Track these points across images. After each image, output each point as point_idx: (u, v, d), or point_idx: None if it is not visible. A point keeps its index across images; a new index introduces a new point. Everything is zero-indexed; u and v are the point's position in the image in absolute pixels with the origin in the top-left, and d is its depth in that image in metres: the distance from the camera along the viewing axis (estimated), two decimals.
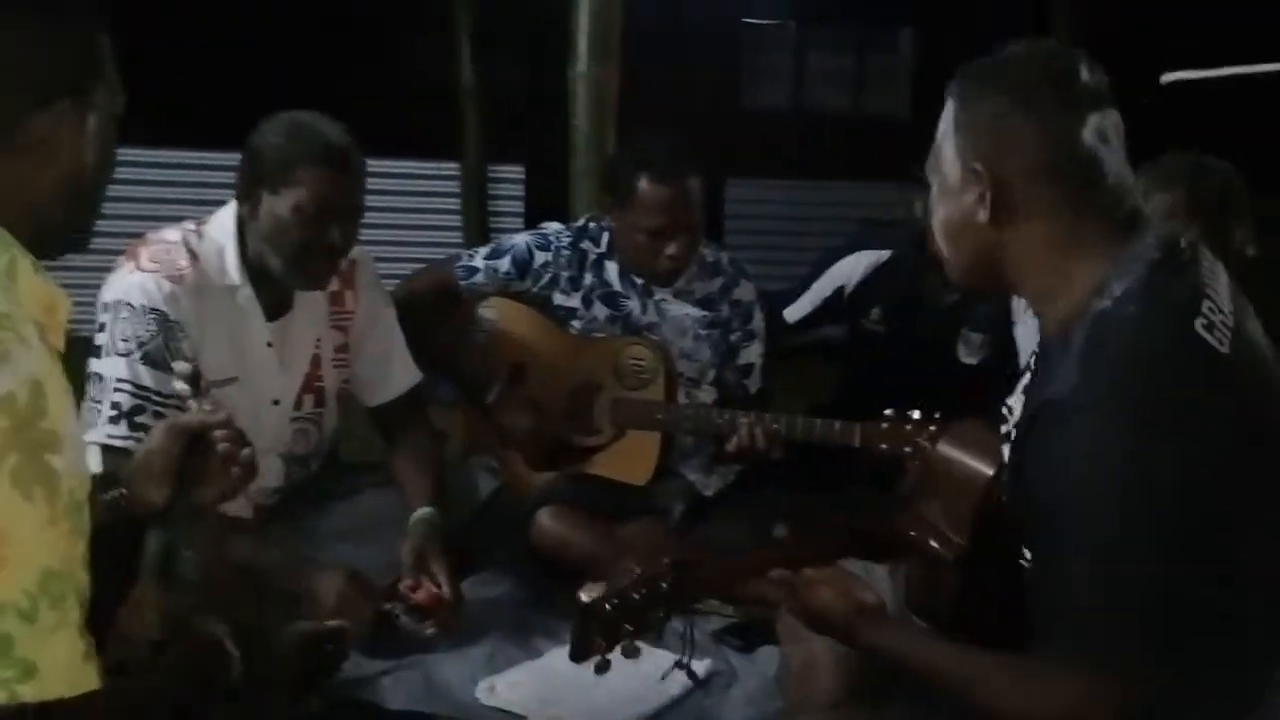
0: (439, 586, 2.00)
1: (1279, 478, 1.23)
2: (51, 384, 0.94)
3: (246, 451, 1.40)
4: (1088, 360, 1.19)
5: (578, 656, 1.35)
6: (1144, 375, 1.18)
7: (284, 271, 2.01)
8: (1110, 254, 1.25)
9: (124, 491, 1.33)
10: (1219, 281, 1.29)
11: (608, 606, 1.36)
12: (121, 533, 1.32)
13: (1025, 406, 1.34)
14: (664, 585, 1.39)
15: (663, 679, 1.70)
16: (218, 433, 1.39)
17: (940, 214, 1.35)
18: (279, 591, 1.91)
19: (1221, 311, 1.24)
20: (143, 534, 1.34)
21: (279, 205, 1.96)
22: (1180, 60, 7.05)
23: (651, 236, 2.41)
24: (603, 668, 1.35)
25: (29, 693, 0.89)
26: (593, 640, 1.35)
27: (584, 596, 1.38)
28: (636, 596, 1.37)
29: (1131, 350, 1.19)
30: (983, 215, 1.28)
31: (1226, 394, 1.20)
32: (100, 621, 1.18)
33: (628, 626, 1.36)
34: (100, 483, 1.39)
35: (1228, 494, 1.18)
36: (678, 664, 1.50)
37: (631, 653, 1.36)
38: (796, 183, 6.50)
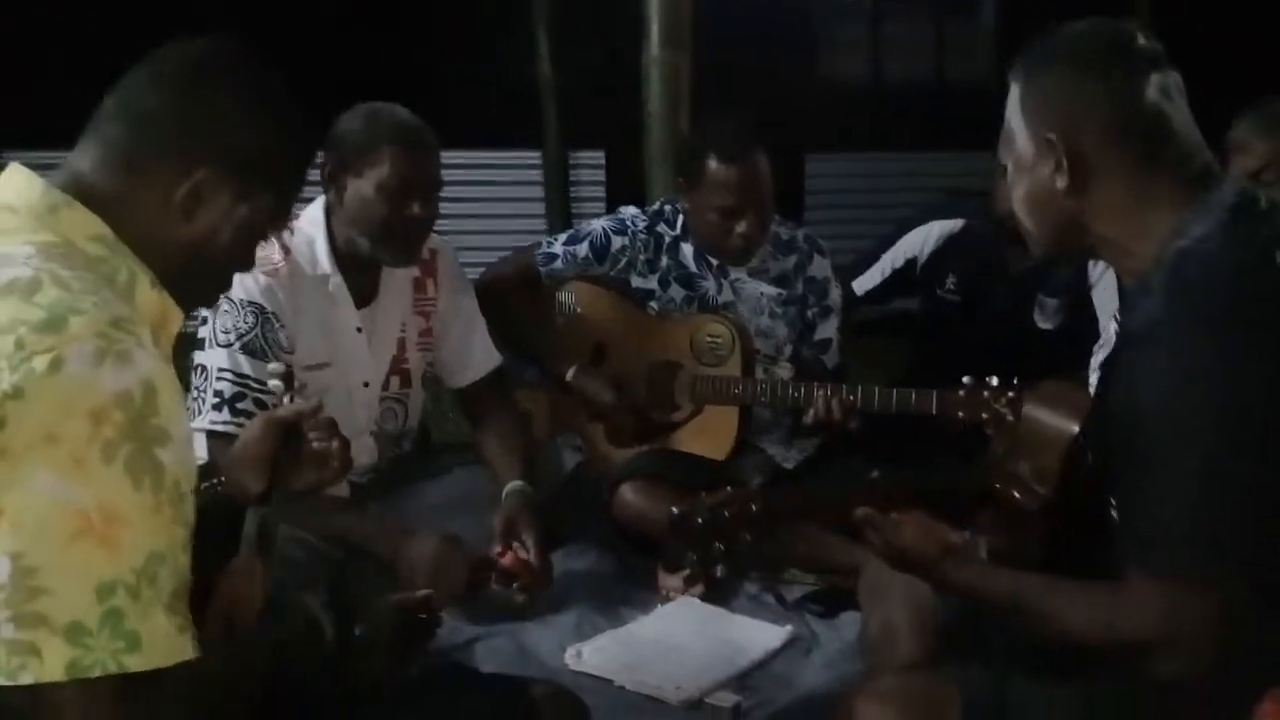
0: (528, 553, 2.08)
1: None
2: (163, 385, 1.02)
3: (337, 444, 1.49)
4: (1170, 290, 1.23)
5: (670, 566, 1.39)
6: (1226, 298, 1.21)
7: (373, 249, 2.12)
8: (1187, 205, 1.28)
9: (221, 479, 1.43)
10: None
11: (699, 520, 1.42)
12: (220, 515, 1.41)
13: (1116, 342, 1.37)
14: (754, 507, 1.45)
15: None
16: (310, 424, 1.48)
17: (1020, 191, 1.38)
18: (375, 562, 2.01)
19: None
20: (241, 516, 1.43)
21: (364, 186, 2.08)
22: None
23: (722, 216, 2.45)
24: (694, 580, 1.40)
25: (135, 663, 0.97)
26: (683, 552, 1.41)
27: (675, 510, 1.44)
28: (727, 514, 1.44)
29: (1213, 276, 1.22)
30: (1060, 183, 1.31)
31: None
32: (201, 594, 1.28)
33: (718, 544, 1.42)
34: (201, 471, 1.49)
35: None
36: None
37: (719, 572, 1.40)
38: (877, 155, 6.42)
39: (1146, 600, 1.21)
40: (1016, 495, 1.54)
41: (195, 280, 1.23)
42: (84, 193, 1.12)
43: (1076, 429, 1.52)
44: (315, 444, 1.47)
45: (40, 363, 0.95)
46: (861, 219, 5.74)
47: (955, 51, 8.56)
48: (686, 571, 1.42)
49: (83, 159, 1.14)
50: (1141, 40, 1.32)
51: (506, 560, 2.07)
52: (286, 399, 1.61)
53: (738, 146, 2.44)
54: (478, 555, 2.08)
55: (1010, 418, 2.02)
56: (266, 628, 1.28)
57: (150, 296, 1.13)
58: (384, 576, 2.01)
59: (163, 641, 0.99)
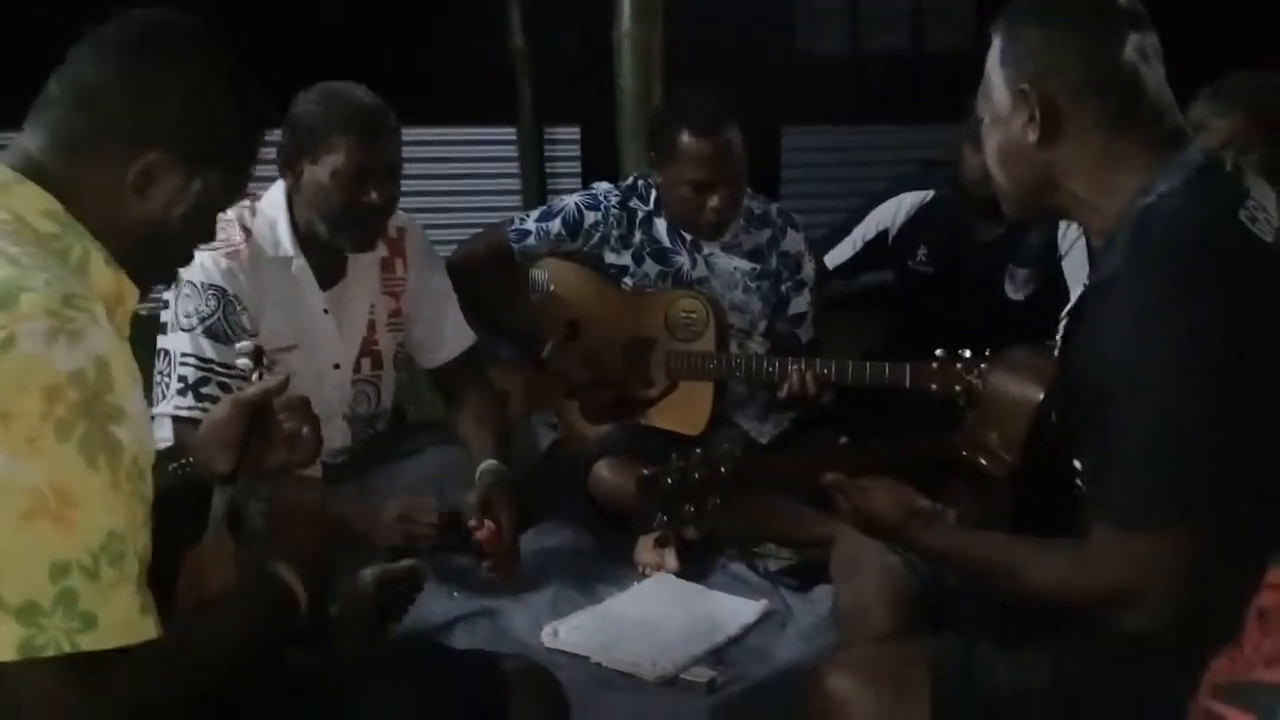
0: (496, 529, 2.08)
1: None
2: (117, 361, 1.02)
3: (308, 428, 1.48)
4: (1134, 244, 1.25)
5: (641, 528, 1.39)
6: (1189, 252, 1.22)
7: (331, 235, 2.10)
8: (1155, 164, 1.30)
9: (189, 460, 1.42)
10: (1265, 193, 1.33)
11: (669, 481, 1.43)
12: (189, 494, 1.40)
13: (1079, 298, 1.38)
14: (723, 470, 1.47)
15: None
16: (278, 402, 1.47)
17: (992, 144, 1.40)
18: (349, 536, 2.01)
19: (1265, 211, 1.29)
20: (209, 496, 1.42)
21: (319, 173, 2.05)
22: None
23: (695, 190, 2.45)
24: (664, 541, 1.41)
25: (88, 643, 0.96)
26: (654, 513, 1.42)
27: (646, 471, 1.45)
28: (696, 476, 1.45)
29: (1177, 231, 1.24)
30: (1032, 136, 1.32)
31: (1269, 274, 1.24)
32: (168, 572, 1.28)
33: (688, 506, 1.43)
34: (168, 453, 1.48)
35: (1264, 370, 1.21)
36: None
37: (689, 533, 1.40)
38: (854, 127, 6.42)
39: (1111, 552, 1.22)
40: (984, 463, 1.55)
41: (153, 257, 1.21)
42: (34, 173, 1.10)
43: (1041, 396, 1.52)
44: (286, 424, 1.46)
45: None
46: (838, 191, 5.74)
47: (933, 22, 8.53)
48: (657, 534, 1.42)
49: (31, 140, 1.12)
50: (1123, 0, 1.33)
51: (480, 533, 2.07)
52: (255, 376, 1.60)
53: (710, 120, 2.43)
54: (448, 511, 2.07)
55: (982, 389, 2.03)
56: (236, 597, 1.26)
57: (104, 273, 1.12)
58: (359, 553, 2.01)
59: (121, 621, 0.99)
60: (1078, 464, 1.34)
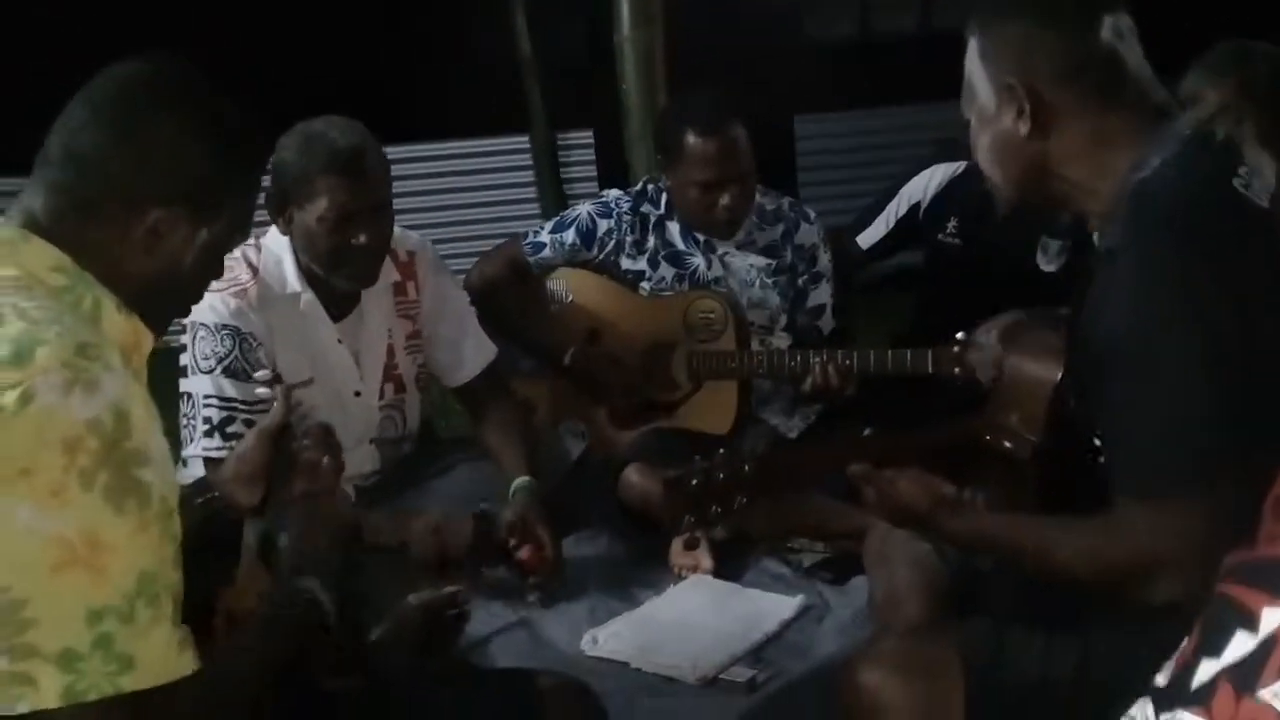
0: (544, 548, 2.10)
1: None
2: (135, 406, 1.04)
3: (328, 457, 1.50)
4: (1133, 217, 1.25)
5: (669, 531, 1.38)
6: (1186, 219, 1.22)
7: (329, 276, 2.11)
8: (1144, 140, 1.30)
9: (216, 494, 1.44)
10: (1260, 159, 1.33)
11: (693, 483, 1.44)
12: (219, 530, 1.43)
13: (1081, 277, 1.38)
14: (747, 468, 1.47)
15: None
16: (300, 431, 1.49)
17: (984, 142, 1.40)
18: (385, 558, 2.04)
19: (1260, 176, 1.29)
20: (239, 528, 1.45)
21: (306, 218, 2.04)
22: None
23: (704, 190, 2.45)
24: (693, 544, 1.41)
25: (129, 684, 0.99)
26: (680, 515, 1.43)
27: (671, 473, 1.46)
28: (721, 475, 1.45)
29: (1173, 200, 1.24)
30: (1023, 129, 1.33)
31: (1268, 240, 1.24)
32: (204, 605, 1.30)
33: (714, 507, 1.44)
34: (194, 489, 1.51)
35: (1268, 333, 1.20)
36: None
37: (715, 534, 1.39)
38: (867, 111, 6.39)
39: (1136, 524, 1.22)
40: (1007, 445, 1.54)
41: (166, 303, 1.24)
42: (40, 231, 1.12)
43: (1059, 375, 1.52)
44: (305, 454, 1.47)
45: (9, 398, 0.97)
46: (856, 177, 5.72)
47: (939, 4, 8.47)
48: (687, 536, 1.43)
49: (33, 200, 1.14)
50: None
51: (523, 554, 2.09)
52: (276, 405, 1.62)
53: (714, 119, 2.44)
54: (484, 531, 2.09)
55: (1000, 371, 2.02)
56: (263, 614, 1.29)
57: (117, 320, 1.14)
58: (397, 574, 2.03)
59: (159, 659, 1.01)
60: (1097, 439, 1.34)
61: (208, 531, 1.46)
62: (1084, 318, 1.31)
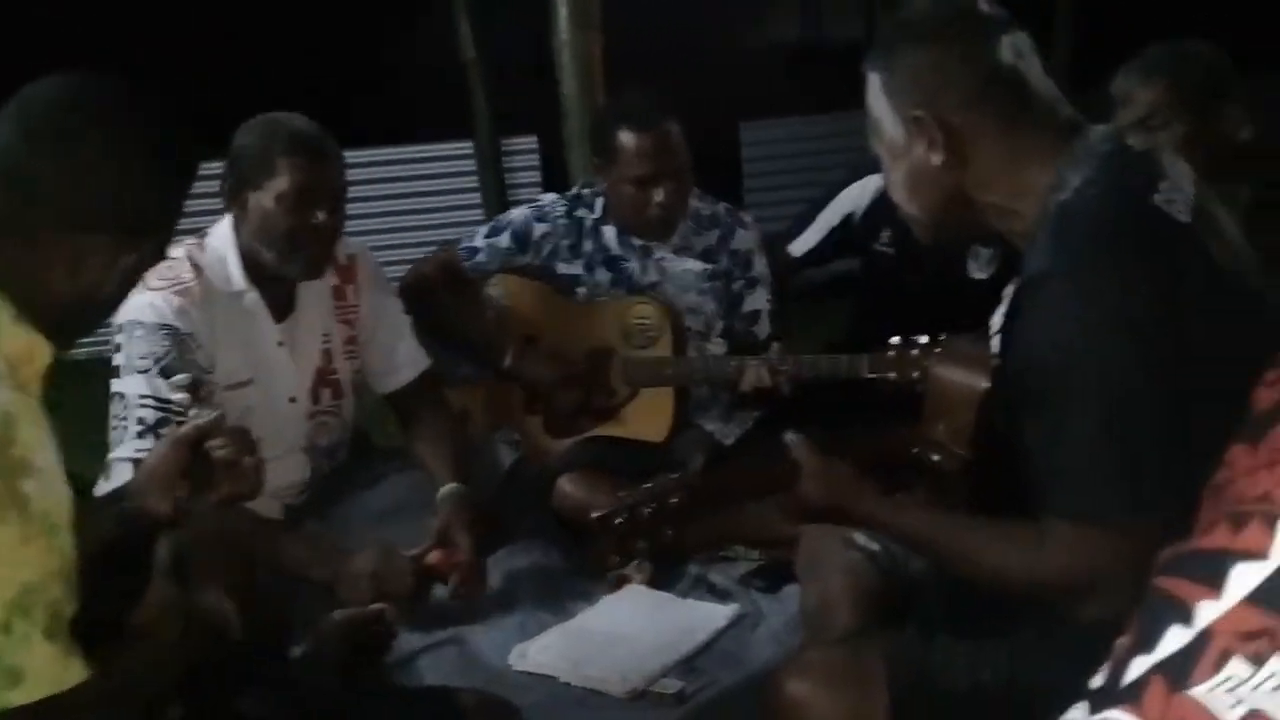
0: (462, 555, 2.06)
1: (1236, 343, 1.24)
2: (23, 417, 1.00)
3: (249, 460, 1.47)
4: (1056, 239, 1.25)
5: (595, 571, 1.39)
6: (1109, 241, 1.22)
7: (278, 262, 2.08)
8: (1060, 158, 1.30)
9: (128, 505, 1.40)
10: (1180, 172, 1.33)
11: (618, 521, 1.42)
12: (133, 541, 1.39)
13: (1009, 299, 1.38)
14: (673, 500, 1.44)
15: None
16: (217, 439, 1.45)
17: (897, 176, 1.39)
18: (313, 584, 1.99)
19: (1181, 191, 1.29)
20: (154, 541, 1.40)
21: (264, 199, 2.04)
22: None
23: (638, 186, 2.43)
24: (619, 583, 1.40)
25: (18, 697, 0.96)
26: (606, 554, 1.41)
27: (595, 513, 1.44)
28: (646, 512, 1.43)
29: (1095, 221, 1.24)
30: (936, 159, 1.32)
31: (1190, 256, 1.24)
32: (113, 624, 1.26)
33: (640, 542, 1.42)
34: (109, 499, 1.47)
35: (1199, 344, 1.21)
36: None
37: (644, 569, 1.40)
38: (814, 117, 6.41)
39: (1066, 545, 1.22)
40: (935, 458, 1.54)
41: (80, 322, 1.22)
42: None
43: (986, 384, 1.51)
44: (218, 453, 1.44)
45: None
46: (802, 182, 5.73)
47: (884, 7, 8.54)
48: (613, 574, 1.41)
49: None
50: (985, 6, 1.34)
51: (435, 558, 2.04)
52: (193, 413, 1.58)
53: (647, 115, 2.43)
54: (417, 561, 2.05)
55: (928, 383, 2.02)
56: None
57: (13, 331, 1.11)
58: (322, 598, 1.99)
59: (47, 670, 0.98)
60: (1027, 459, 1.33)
61: (121, 545, 1.42)
62: (1011, 339, 1.30)
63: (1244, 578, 0.72)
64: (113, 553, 1.35)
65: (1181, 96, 2.15)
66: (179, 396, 1.64)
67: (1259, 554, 0.71)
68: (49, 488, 1.01)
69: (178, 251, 2.10)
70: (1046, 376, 1.22)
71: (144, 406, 2.01)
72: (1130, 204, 1.25)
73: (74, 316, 1.18)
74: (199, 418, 1.50)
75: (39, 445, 1.02)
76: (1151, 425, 1.19)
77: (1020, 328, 1.29)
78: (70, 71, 1.19)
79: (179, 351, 2.02)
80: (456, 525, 2.09)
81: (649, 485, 1.45)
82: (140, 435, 2.00)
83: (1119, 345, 1.19)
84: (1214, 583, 0.73)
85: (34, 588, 0.98)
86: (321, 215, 2.06)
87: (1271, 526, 0.71)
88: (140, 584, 1.38)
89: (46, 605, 0.99)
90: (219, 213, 2.17)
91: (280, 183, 2.03)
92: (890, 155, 1.38)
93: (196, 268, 2.08)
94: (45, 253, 1.12)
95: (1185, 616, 0.75)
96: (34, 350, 1.14)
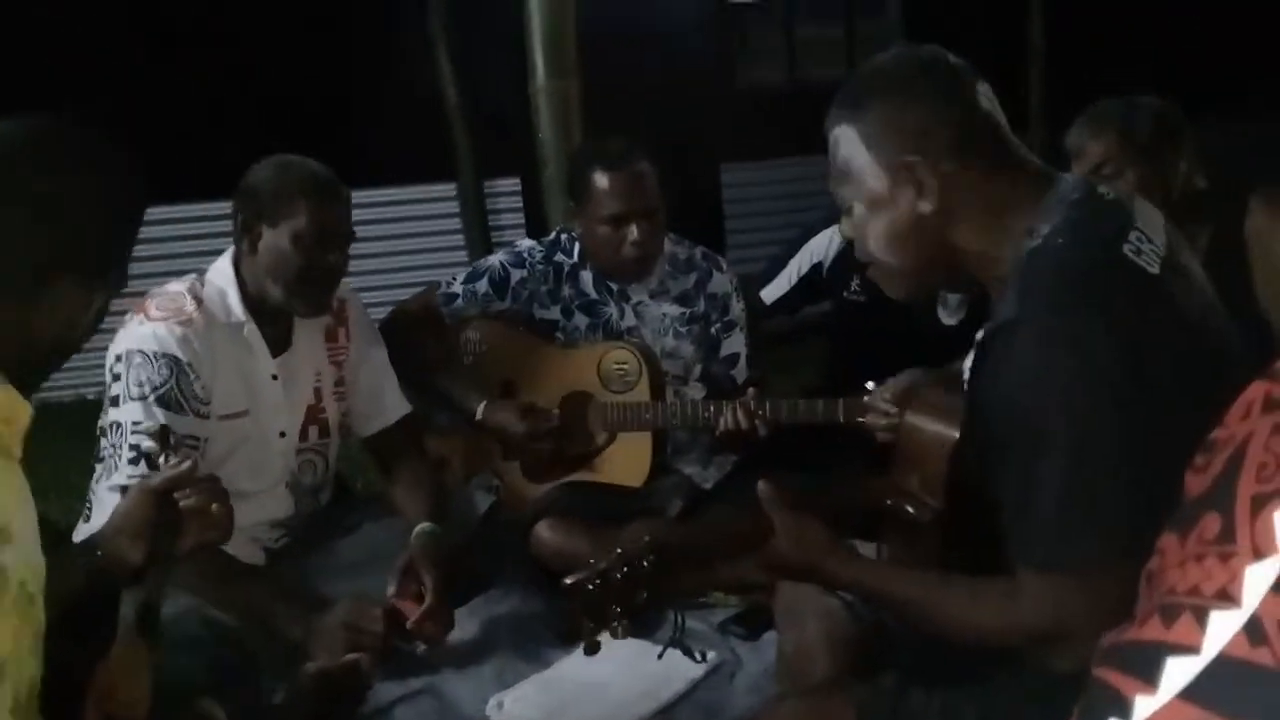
0: (425, 597, 2.03)
1: (1203, 394, 1.25)
2: (2, 482, 0.99)
3: (217, 507, 1.46)
4: (1024, 287, 1.25)
5: (568, 639, 1.38)
6: (1078, 290, 1.22)
7: (286, 299, 2.12)
8: (1036, 203, 1.31)
9: (99, 554, 1.39)
10: (1149, 218, 1.34)
11: (590, 587, 1.40)
12: (100, 593, 1.37)
13: (976, 347, 1.37)
14: (644, 564, 1.42)
15: (659, 659, 1.68)
16: (188, 489, 1.45)
17: (876, 229, 1.36)
18: (285, 638, 1.97)
19: (1151, 241, 1.29)
20: (119, 594, 1.39)
21: (279, 237, 2.08)
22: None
23: (613, 226, 2.44)
24: (592, 649, 1.39)
25: None
26: (581, 622, 1.39)
27: (567, 580, 1.41)
28: (619, 576, 1.41)
29: (1063, 271, 1.24)
30: (926, 206, 1.31)
31: (1158, 307, 1.24)
32: (82, 682, 1.24)
33: (615, 607, 1.40)
34: (81, 548, 1.45)
35: (1166, 399, 1.20)
36: (670, 644, 1.53)
37: (620, 634, 1.39)
38: (794, 160, 6.47)
39: (1037, 595, 1.22)
40: (909, 510, 1.53)
41: (52, 364, 1.23)
42: None
43: (957, 434, 1.51)
44: (185, 502, 1.44)
45: None
46: (783, 224, 5.76)
47: (865, 49, 8.63)
48: (587, 640, 1.38)
49: None
50: (952, 57, 1.36)
51: (396, 601, 2.02)
52: (162, 460, 1.57)
53: (619, 155, 2.45)
54: (388, 613, 2.02)
55: (899, 432, 2.02)
56: None
57: None
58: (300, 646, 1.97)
59: None
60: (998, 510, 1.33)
61: (91, 596, 1.40)
62: (981, 389, 1.30)
63: (1177, 672, 0.71)
64: (79, 608, 1.34)
65: (1131, 146, 2.21)
66: (148, 444, 1.64)
67: (1191, 648, 0.71)
68: (26, 556, 1.00)
69: (178, 286, 2.15)
70: (1015, 425, 1.22)
71: (138, 433, 2.01)
72: (1099, 253, 1.25)
73: (51, 357, 1.20)
74: (170, 467, 1.50)
75: (18, 512, 1.01)
76: (1121, 474, 1.18)
77: (988, 375, 1.28)
78: (11, 119, 1.21)
79: (177, 381, 2.05)
80: (423, 561, 2.08)
81: (619, 551, 1.43)
82: (133, 461, 2.00)
83: (1087, 394, 1.19)
84: (1149, 677, 0.73)
85: (6, 661, 0.97)
86: (333, 256, 2.12)
87: (1201, 621, 0.71)
88: (105, 642, 1.36)
89: (16, 679, 0.97)
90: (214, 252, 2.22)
91: (298, 223, 2.07)
92: (870, 208, 1.36)
93: (197, 300, 2.12)
94: (20, 298, 1.13)
95: (1123, 710, 0.75)
96: (14, 411, 1.13)
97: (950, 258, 1.35)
